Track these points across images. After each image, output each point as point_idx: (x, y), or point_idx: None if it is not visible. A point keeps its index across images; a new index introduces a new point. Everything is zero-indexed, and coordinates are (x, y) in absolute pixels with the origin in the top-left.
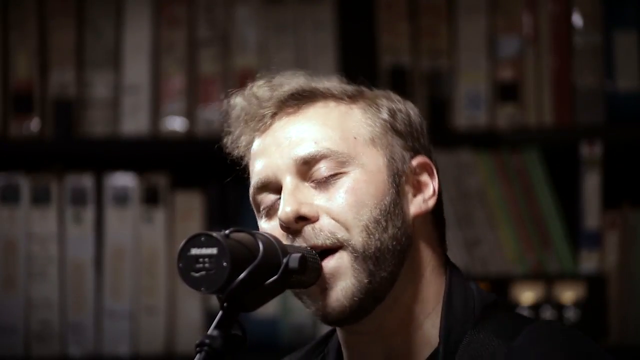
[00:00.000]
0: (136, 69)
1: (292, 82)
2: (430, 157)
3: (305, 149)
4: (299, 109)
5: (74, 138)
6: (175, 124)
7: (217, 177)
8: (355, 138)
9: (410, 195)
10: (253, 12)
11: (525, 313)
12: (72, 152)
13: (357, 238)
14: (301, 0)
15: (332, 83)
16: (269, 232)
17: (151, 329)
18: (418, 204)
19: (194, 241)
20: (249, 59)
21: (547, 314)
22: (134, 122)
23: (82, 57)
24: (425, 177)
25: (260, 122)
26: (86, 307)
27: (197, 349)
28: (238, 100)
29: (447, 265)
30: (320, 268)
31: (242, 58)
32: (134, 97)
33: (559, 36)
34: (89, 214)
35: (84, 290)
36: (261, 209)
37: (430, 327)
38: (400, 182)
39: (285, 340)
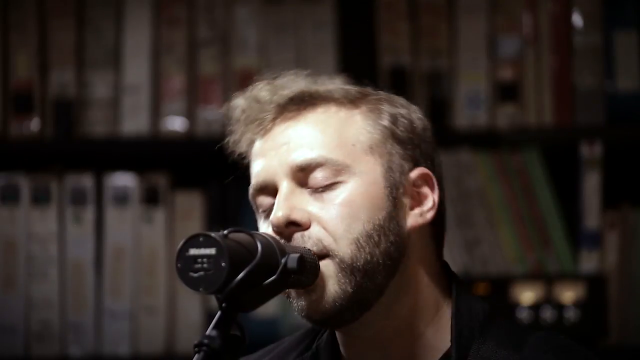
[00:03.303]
0: (136, 69)
1: (293, 85)
2: (433, 166)
3: (301, 156)
4: (299, 114)
5: (74, 138)
6: (175, 124)
7: (217, 177)
8: (353, 145)
9: (407, 208)
10: (253, 12)
11: (525, 313)
12: (72, 152)
13: (346, 250)
14: (301, 0)
15: (335, 85)
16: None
17: (151, 329)
18: (415, 217)
19: (192, 241)
20: (249, 59)
21: (547, 314)
22: (134, 122)
23: (82, 57)
24: (425, 189)
25: (260, 125)
26: (86, 307)
27: (196, 349)
28: (239, 102)
29: (447, 274)
30: (318, 268)
31: (242, 58)
32: (134, 97)
33: (559, 36)
34: (89, 214)
35: (84, 290)
36: (260, 211)
37: (432, 336)
38: (398, 194)
39: None
